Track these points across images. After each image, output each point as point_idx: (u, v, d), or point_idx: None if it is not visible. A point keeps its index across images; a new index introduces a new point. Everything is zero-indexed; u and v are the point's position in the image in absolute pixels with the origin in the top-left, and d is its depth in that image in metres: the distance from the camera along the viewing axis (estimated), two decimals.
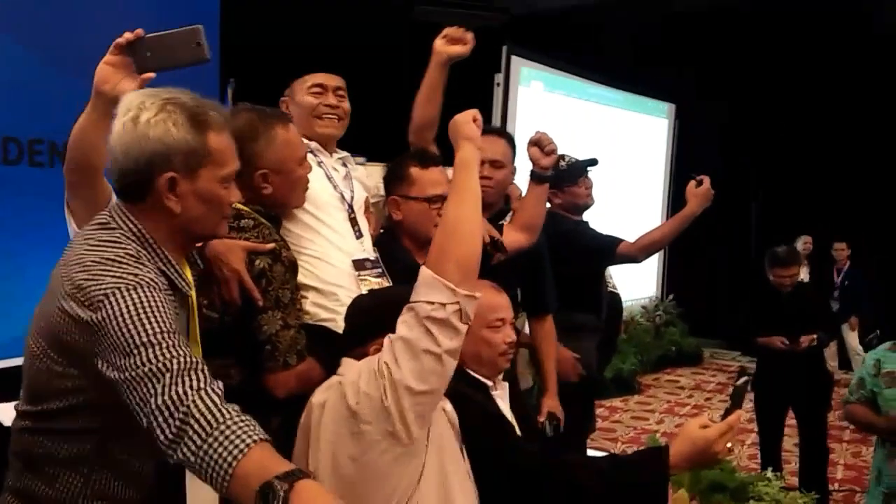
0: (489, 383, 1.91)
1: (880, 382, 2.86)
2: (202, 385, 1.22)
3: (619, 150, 7.87)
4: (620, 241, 3.17)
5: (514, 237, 2.42)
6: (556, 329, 2.81)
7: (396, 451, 1.46)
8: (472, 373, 1.91)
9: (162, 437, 1.17)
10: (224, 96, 3.04)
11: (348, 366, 1.61)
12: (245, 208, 1.83)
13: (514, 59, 6.22)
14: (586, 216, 3.40)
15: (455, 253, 1.47)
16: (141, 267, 1.33)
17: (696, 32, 7.33)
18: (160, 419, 1.18)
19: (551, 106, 7.03)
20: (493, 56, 6.01)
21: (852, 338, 7.40)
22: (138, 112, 1.34)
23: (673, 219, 3.18)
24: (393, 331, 1.51)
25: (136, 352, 1.22)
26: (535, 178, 2.43)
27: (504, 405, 1.94)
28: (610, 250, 3.16)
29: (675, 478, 3.55)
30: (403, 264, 2.19)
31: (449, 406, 1.62)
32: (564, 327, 2.89)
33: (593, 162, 3.20)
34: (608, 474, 1.68)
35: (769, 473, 4.24)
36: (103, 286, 1.28)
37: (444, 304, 1.43)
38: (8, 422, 1.54)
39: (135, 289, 1.28)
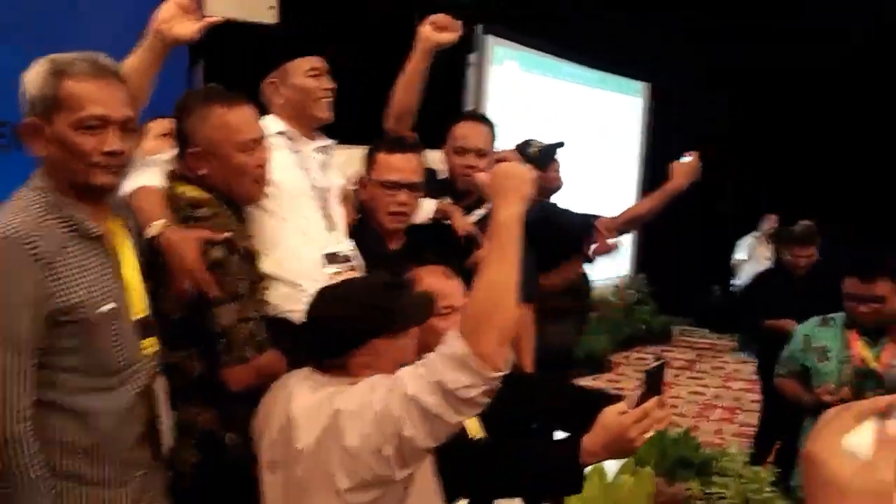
0: None
1: (811, 357, 2.91)
2: None
3: (593, 130, 7.90)
4: (595, 217, 3.15)
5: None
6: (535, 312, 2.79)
7: (381, 490, 1.44)
8: None
9: None
10: (191, 77, 3.00)
11: (332, 380, 1.53)
12: (204, 196, 1.79)
13: (487, 38, 6.20)
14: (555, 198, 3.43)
15: (499, 323, 1.38)
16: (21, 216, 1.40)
17: (668, 9, 7.35)
18: None
19: (526, 85, 7.03)
20: (466, 36, 5.98)
21: None
22: (28, 71, 1.46)
23: (655, 194, 3.09)
24: (372, 336, 1.50)
25: None
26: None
27: None
28: (587, 228, 3.13)
29: (639, 455, 3.64)
30: (373, 251, 2.20)
31: None
32: (543, 310, 2.89)
33: (560, 144, 3.21)
34: (524, 464, 1.65)
35: (733, 448, 4.35)
36: None
37: (476, 386, 1.36)
38: None
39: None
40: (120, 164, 1.49)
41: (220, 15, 1.67)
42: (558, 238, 3.08)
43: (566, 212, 3.27)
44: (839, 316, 2.93)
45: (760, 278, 4.55)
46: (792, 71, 7.59)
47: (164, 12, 1.65)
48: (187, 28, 1.67)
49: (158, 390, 1.60)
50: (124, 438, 1.52)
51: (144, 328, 1.58)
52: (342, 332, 1.53)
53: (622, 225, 3.13)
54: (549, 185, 3.28)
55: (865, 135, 7.61)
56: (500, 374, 1.38)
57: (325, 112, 2.16)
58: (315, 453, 1.44)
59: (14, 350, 1.35)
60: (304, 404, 1.51)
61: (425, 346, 1.87)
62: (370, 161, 2.26)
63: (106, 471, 1.49)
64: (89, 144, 1.43)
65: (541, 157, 3.13)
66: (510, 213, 1.46)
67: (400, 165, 2.21)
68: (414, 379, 1.39)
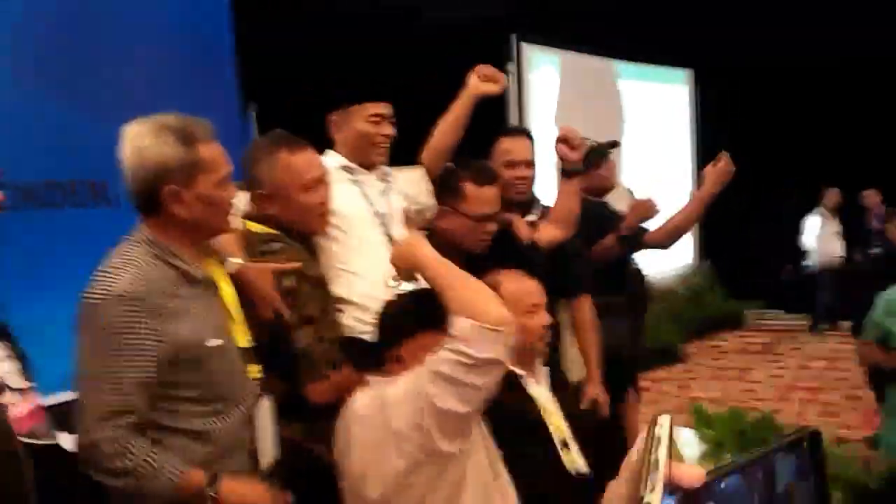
0: (521, 372, 2.00)
1: (893, 322, 2.94)
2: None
3: (640, 124, 7.84)
4: (646, 230, 3.22)
5: (551, 233, 2.53)
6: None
7: (436, 467, 1.56)
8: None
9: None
10: (248, 123, 3.16)
11: (388, 379, 1.69)
12: (275, 232, 1.97)
13: (524, 45, 6.27)
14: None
15: (482, 298, 1.58)
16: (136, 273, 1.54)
17: None
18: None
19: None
20: (502, 45, 6.07)
21: None
22: (136, 139, 1.57)
23: (691, 201, 3.15)
24: (423, 329, 1.63)
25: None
26: (566, 173, 2.54)
27: (540, 390, 2.03)
28: (637, 240, 3.22)
29: (719, 440, 3.61)
30: None
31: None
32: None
33: (615, 144, 3.23)
34: None
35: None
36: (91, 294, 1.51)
37: (489, 344, 1.51)
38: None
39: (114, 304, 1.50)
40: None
41: None
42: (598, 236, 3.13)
43: (612, 217, 3.30)
44: None
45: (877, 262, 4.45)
46: (842, 43, 7.41)
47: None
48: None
49: (260, 411, 1.74)
50: (236, 454, 1.67)
51: (249, 356, 1.75)
52: (394, 324, 1.73)
53: (666, 237, 3.19)
54: (600, 183, 3.33)
55: None
56: (507, 325, 1.53)
57: (379, 158, 2.28)
58: (375, 447, 1.58)
59: (114, 389, 1.50)
60: (360, 409, 1.67)
61: (521, 346, 1.96)
62: (455, 191, 2.31)
63: None
64: (227, 198, 1.64)
65: (591, 155, 3.14)
66: (424, 253, 1.70)
67: (493, 198, 2.31)
68: (436, 356, 1.54)
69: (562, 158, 2.52)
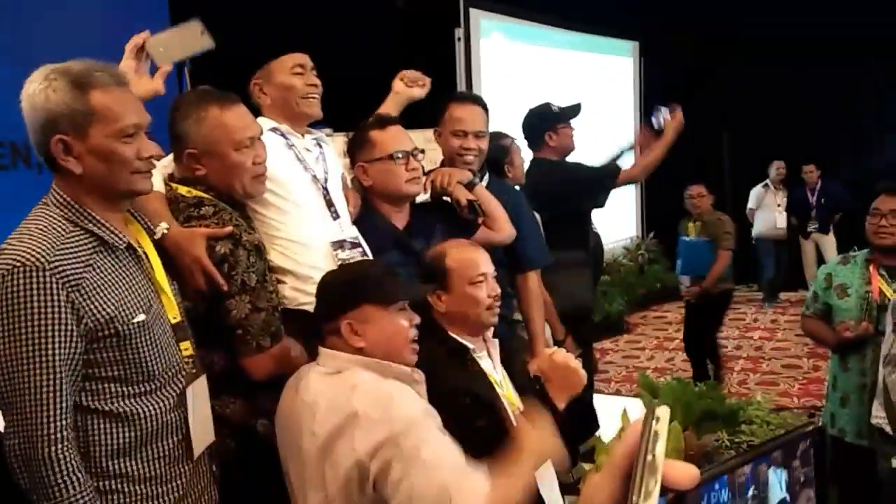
0: (471, 345, 1.94)
1: (832, 294, 2.93)
2: None
3: (586, 94, 7.80)
4: (617, 169, 3.45)
5: (490, 236, 2.42)
6: (554, 266, 2.92)
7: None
8: (455, 336, 1.93)
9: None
10: (182, 79, 2.99)
11: (328, 357, 1.63)
12: (207, 196, 1.83)
13: (472, 11, 6.15)
14: None
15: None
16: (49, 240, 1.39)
17: None
18: None
19: (514, 56, 6.97)
20: (450, 10, 5.94)
21: (831, 250, 7.53)
22: (27, 87, 1.42)
23: (657, 146, 3.40)
24: (363, 301, 1.59)
25: None
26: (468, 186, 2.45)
27: (490, 363, 1.97)
28: (613, 175, 3.39)
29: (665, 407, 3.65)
30: (381, 231, 2.21)
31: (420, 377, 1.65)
32: (560, 264, 3.05)
33: (578, 106, 3.46)
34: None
35: (759, 397, 4.36)
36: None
37: None
38: None
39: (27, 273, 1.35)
40: (152, 167, 1.52)
41: (166, 62, 1.76)
42: (585, 191, 3.37)
43: (590, 167, 3.51)
44: (860, 253, 2.96)
45: None
46: (781, 17, 7.50)
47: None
48: (150, 86, 1.75)
49: (193, 390, 1.61)
50: (167, 437, 1.55)
51: (180, 331, 1.62)
52: (337, 294, 1.66)
53: (641, 171, 3.48)
54: (569, 143, 3.46)
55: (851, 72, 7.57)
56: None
57: (312, 108, 2.15)
58: (326, 444, 1.49)
59: (46, 373, 1.36)
60: (320, 389, 1.57)
61: (464, 317, 1.93)
62: (363, 144, 2.25)
63: (152, 468, 1.52)
64: (130, 152, 1.45)
65: (564, 112, 3.43)
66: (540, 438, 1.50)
67: (400, 135, 2.24)
68: (430, 467, 1.40)
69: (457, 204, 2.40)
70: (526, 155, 3.41)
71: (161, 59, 1.73)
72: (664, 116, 3.42)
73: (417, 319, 1.70)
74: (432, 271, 1.98)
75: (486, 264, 1.99)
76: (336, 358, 1.62)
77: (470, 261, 1.97)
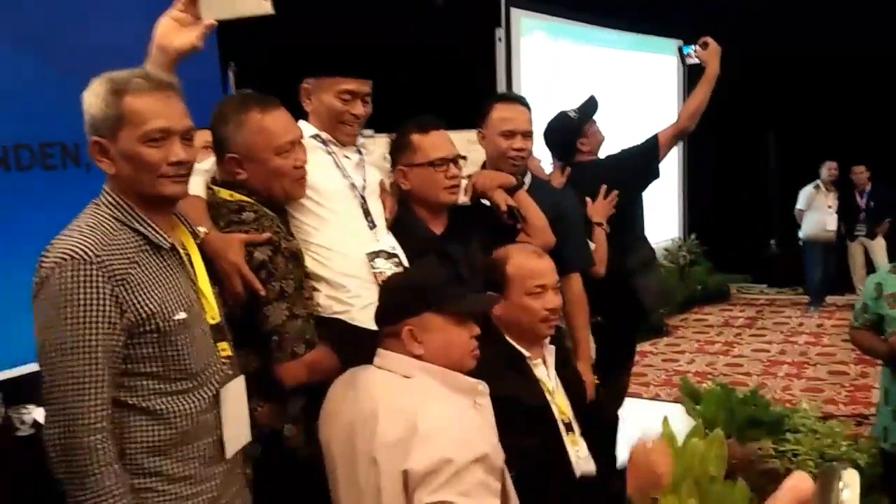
0: (526, 353, 1.91)
1: (884, 304, 2.86)
2: None
3: (629, 93, 7.73)
4: (655, 137, 3.25)
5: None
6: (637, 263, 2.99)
7: None
8: (512, 342, 1.91)
9: None
10: (226, 81, 3.02)
11: (391, 359, 1.60)
12: (248, 200, 1.83)
13: (513, 10, 6.11)
14: None
15: None
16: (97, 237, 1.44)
17: None
18: None
19: (556, 55, 6.91)
20: (492, 10, 5.91)
21: (880, 254, 7.33)
22: (85, 93, 1.49)
23: (701, 83, 3.24)
24: (426, 308, 1.55)
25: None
26: (511, 190, 2.41)
27: (545, 371, 1.95)
28: (654, 146, 3.22)
29: (708, 417, 3.58)
30: (418, 235, 2.20)
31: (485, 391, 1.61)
32: (639, 262, 3.15)
33: (593, 99, 3.32)
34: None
35: (804, 404, 4.25)
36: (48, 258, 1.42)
37: None
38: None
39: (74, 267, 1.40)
40: (186, 173, 1.54)
41: (215, 18, 1.70)
42: (633, 173, 3.23)
43: (627, 150, 3.34)
44: None
45: None
46: (831, 17, 7.31)
47: (162, 27, 1.69)
48: (187, 38, 1.70)
49: (229, 392, 1.62)
50: (202, 438, 1.56)
51: (219, 332, 1.63)
52: (401, 299, 1.61)
53: (688, 119, 3.24)
54: (599, 138, 3.34)
55: None
56: None
57: (346, 137, 2.12)
58: (389, 451, 1.46)
59: (89, 362, 1.39)
60: (383, 393, 1.54)
61: (518, 325, 1.90)
62: (405, 147, 2.22)
63: (187, 468, 1.53)
64: (156, 156, 1.48)
65: (584, 111, 3.27)
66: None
67: (441, 142, 2.21)
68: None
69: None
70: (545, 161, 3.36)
71: (207, 14, 1.66)
72: (696, 53, 3.25)
73: (478, 331, 1.65)
74: (492, 274, 1.96)
75: (547, 275, 1.95)
76: (401, 362, 1.58)
77: (530, 270, 1.94)
